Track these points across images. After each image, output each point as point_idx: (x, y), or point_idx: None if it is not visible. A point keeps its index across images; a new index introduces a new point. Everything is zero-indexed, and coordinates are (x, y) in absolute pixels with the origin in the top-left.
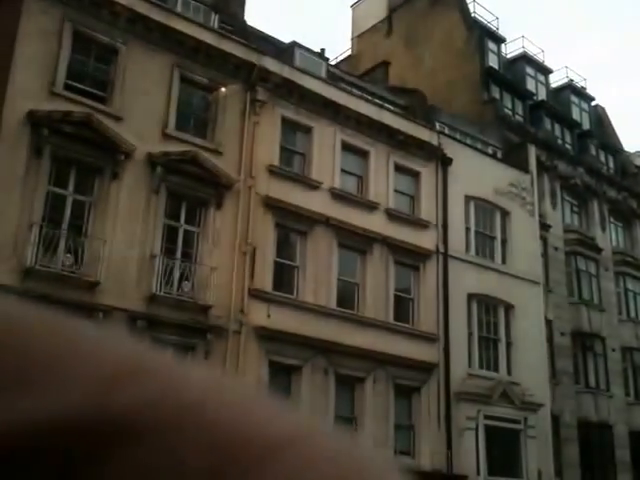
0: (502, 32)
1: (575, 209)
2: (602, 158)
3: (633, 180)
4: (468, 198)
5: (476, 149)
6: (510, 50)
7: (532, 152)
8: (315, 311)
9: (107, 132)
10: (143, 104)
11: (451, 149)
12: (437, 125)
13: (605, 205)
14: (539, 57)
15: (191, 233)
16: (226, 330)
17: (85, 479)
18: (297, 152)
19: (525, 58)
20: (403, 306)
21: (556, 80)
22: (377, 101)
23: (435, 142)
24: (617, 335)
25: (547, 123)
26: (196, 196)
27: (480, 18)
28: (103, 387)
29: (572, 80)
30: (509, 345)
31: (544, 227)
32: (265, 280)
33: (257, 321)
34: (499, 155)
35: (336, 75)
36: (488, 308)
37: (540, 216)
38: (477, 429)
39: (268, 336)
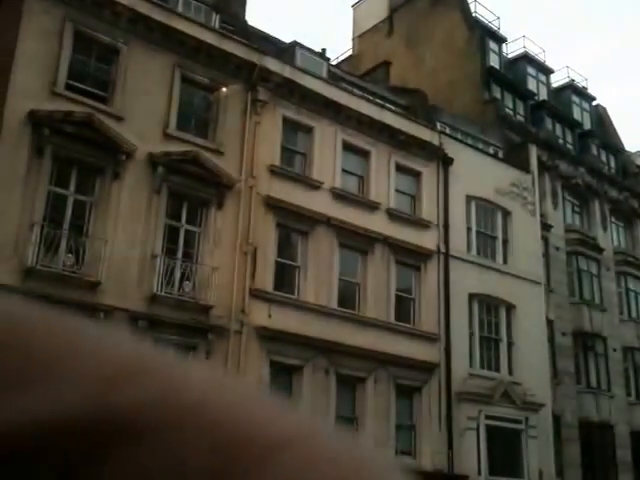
0: (503, 32)
1: (576, 209)
2: (603, 158)
3: (634, 180)
4: (469, 198)
5: (477, 149)
6: (511, 50)
7: (533, 152)
8: (316, 311)
9: (108, 132)
10: (144, 104)
11: (452, 149)
12: (438, 125)
13: (606, 205)
14: (540, 57)
15: (192, 233)
16: (227, 330)
17: (85, 479)
18: (298, 152)
19: (526, 58)
20: (404, 306)
21: (557, 80)
22: (378, 101)
23: (436, 142)
24: (618, 335)
25: (548, 123)
26: (197, 196)
27: (481, 18)
28: (103, 387)
29: (573, 80)
30: (510, 345)
31: (545, 227)
32: (266, 280)
33: (258, 321)
34: (500, 155)
35: (337, 75)
36: (489, 308)
37: (541, 216)
38: (478, 429)
39: (269, 336)
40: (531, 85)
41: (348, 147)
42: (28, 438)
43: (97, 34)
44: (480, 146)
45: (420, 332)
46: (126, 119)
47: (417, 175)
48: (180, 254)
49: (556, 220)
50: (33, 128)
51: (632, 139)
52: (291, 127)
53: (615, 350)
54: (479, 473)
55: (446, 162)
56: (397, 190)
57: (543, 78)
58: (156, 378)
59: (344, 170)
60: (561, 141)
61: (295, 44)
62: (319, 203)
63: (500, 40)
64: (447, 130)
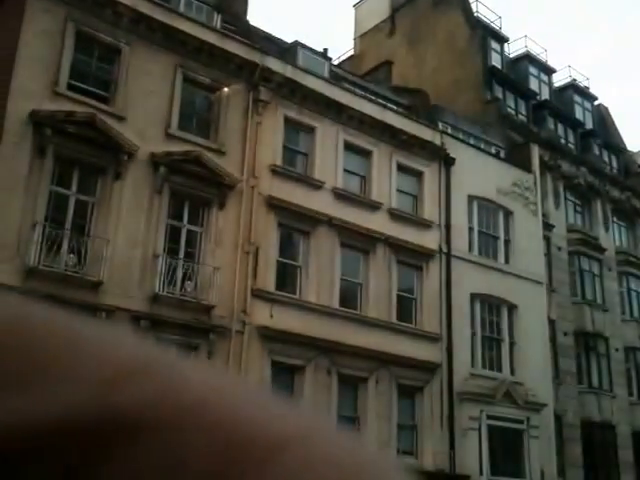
0: (505, 32)
1: (578, 209)
2: (605, 158)
3: (636, 180)
4: (471, 198)
5: (479, 149)
6: (513, 49)
7: (535, 152)
8: (318, 311)
9: (110, 132)
10: (146, 104)
11: (454, 149)
12: (440, 125)
13: (608, 205)
14: (542, 57)
15: (194, 233)
16: (229, 330)
17: (85, 479)
18: (300, 152)
19: (528, 57)
20: (406, 306)
21: (559, 80)
22: (380, 101)
23: (438, 142)
24: (620, 335)
25: (550, 123)
26: (199, 196)
27: (483, 17)
28: (103, 387)
29: (575, 80)
30: (512, 345)
31: (547, 227)
32: (268, 280)
33: (260, 321)
34: (502, 155)
35: (339, 75)
36: (491, 308)
37: (543, 216)
38: (480, 429)
39: (271, 336)
40: (533, 85)
41: (350, 147)
42: (26, 439)
43: (99, 34)
44: (482, 146)
45: (422, 332)
46: (128, 119)
47: (419, 175)
48: (182, 254)
49: (558, 220)
50: (35, 128)
51: (634, 139)
52: (293, 127)
53: (617, 350)
54: (481, 473)
55: (448, 162)
56: (399, 190)
57: (545, 78)
58: (156, 378)
59: (346, 170)
60: (563, 141)
61: (297, 44)
62: (321, 203)
63: (502, 40)
64: (449, 130)
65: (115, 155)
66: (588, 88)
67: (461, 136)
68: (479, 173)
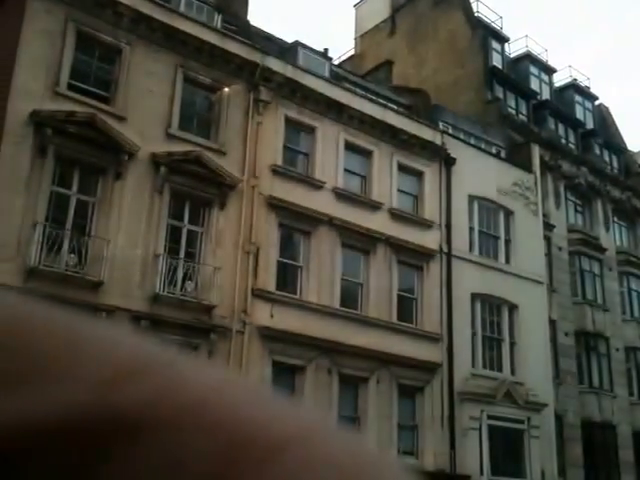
0: (505, 31)
1: (579, 209)
2: (606, 158)
3: (637, 180)
4: (472, 198)
5: (480, 149)
6: (514, 49)
7: (536, 152)
8: (318, 311)
9: (111, 132)
10: (147, 104)
11: (455, 149)
12: (441, 125)
13: (609, 205)
14: (543, 56)
15: (194, 233)
16: (229, 330)
17: (84, 479)
18: (300, 152)
19: (529, 57)
20: (406, 306)
21: (560, 79)
22: (380, 101)
23: (439, 142)
24: (621, 335)
25: (551, 122)
26: (199, 196)
27: (483, 17)
28: (102, 387)
29: (576, 79)
30: (513, 345)
31: (548, 227)
32: (268, 280)
33: (260, 321)
34: (503, 155)
35: (339, 75)
36: (492, 308)
37: (544, 216)
38: (480, 429)
39: (271, 336)
40: (534, 85)
41: (350, 147)
42: (20, 439)
43: (99, 34)
44: (482, 146)
45: (422, 332)
46: (128, 119)
47: (419, 175)
48: (182, 254)
49: (559, 220)
50: (35, 128)
51: (635, 139)
52: (293, 127)
53: (618, 350)
54: (481, 473)
55: (448, 162)
56: (399, 190)
57: (546, 78)
58: (156, 378)
59: (346, 170)
60: (564, 141)
61: (297, 44)
62: (321, 203)
63: (502, 40)
64: (449, 130)
65: (116, 155)
66: (589, 88)
67: (462, 136)
68: (480, 173)
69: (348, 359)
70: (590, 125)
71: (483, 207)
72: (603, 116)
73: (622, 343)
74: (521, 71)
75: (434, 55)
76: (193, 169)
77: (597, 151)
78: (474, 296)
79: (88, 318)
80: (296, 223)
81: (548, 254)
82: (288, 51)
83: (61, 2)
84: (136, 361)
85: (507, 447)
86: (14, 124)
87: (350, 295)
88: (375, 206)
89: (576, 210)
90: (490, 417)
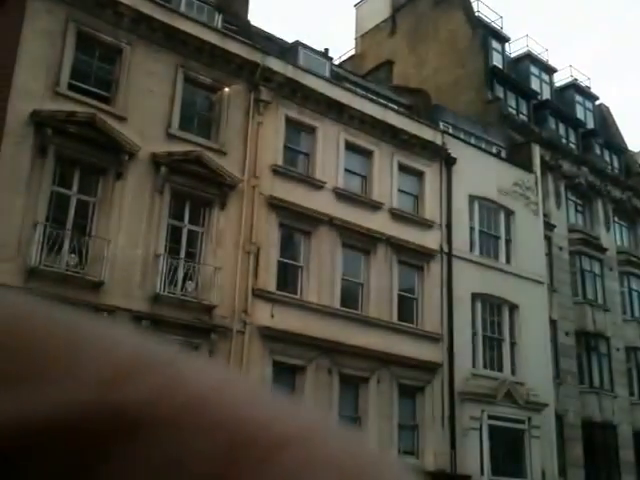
0: (506, 31)
1: (579, 208)
2: (606, 157)
3: (637, 179)
4: (472, 198)
5: (480, 149)
6: (514, 49)
7: (536, 151)
8: (319, 311)
9: (111, 132)
10: (147, 104)
11: (455, 149)
12: (441, 125)
13: (609, 204)
14: (543, 56)
15: (195, 233)
16: (230, 330)
17: (82, 478)
18: (301, 152)
19: (529, 57)
20: (407, 306)
21: (560, 79)
22: (381, 101)
23: (439, 142)
24: (621, 335)
25: (551, 122)
26: (200, 196)
27: (484, 17)
28: (102, 387)
29: (576, 79)
30: (513, 345)
31: (548, 227)
32: (269, 280)
33: (261, 321)
34: (503, 155)
35: (340, 75)
36: (492, 308)
37: (544, 215)
38: (481, 429)
39: (272, 336)
40: (534, 84)
41: (351, 147)
42: (17, 438)
43: (100, 34)
44: (483, 146)
45: (423, 332)
46: (129, 119)
47: (420, 175)
48: (183, 254)
49: (559, 220)
50: (36, 128)
51: (635, 139)
52: (294, 127)
53: (618, 350)
54: (482, 473)
55: (449, 162)
56: (400, 190)
57: (546, 77)
58: (155, 377)
59: (347, 170)
60: (564, 140)
61: (298, 44)
62: (322, 203)
63: (503, 39)
64: (450, 130)
65: (116, 155)
66: (589, 88)
67: (462, 136)
68: (480, 173)
69: (348, 359)
70: (590, 125)
71: (483, 207)
72: (603, 116)
73: (623, 343)
74: (521, 71)
75: (434, 55)
76: (193, 169)
77: (597, 151)
78: (474, 296)
79: (89, 317)
80: (296, 223)
81: (549, 254)
82: (288, 51)
83: (61, 2)
84: (136, 360)
85: (507, 447)
86: (14, 124)
87: (350, 295)
88: (375, 206)
89: (577, 210)
90: (491, 417)
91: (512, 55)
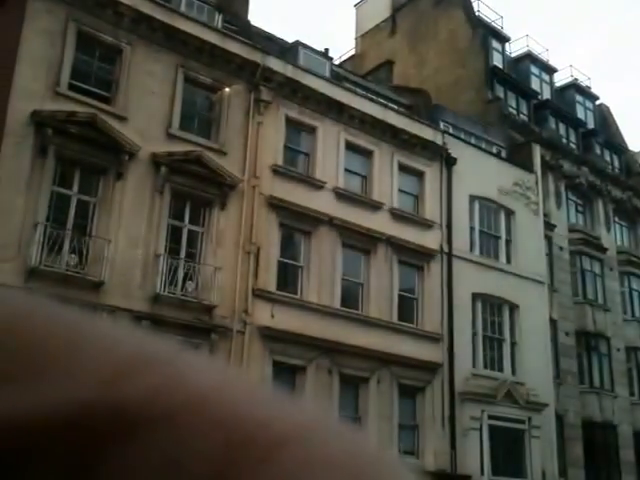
0: (506, 31)
1: (580, 208)
2: (607, 157)
3: (638, 179)
4: (472, 198)
5: (480, 148)
6: (514, 49)
7: (537, 151)
8: (319, 311)
9: (111, 132)
10: (147, 104)
11: (455, 148)
12: (441, 124)
13: (610, 204)
14: (543, 56)
15: (195, 233)
16: (230, 330)
17: (81, 479)
18: (301, 152)
19: (530, 57)
20: (407, 306)
21: (560, 79)
22: (381, 100)
23: (439, 142)
24: (622, 335)
25: (552, 122)
26: (200, 196)
27: (484, 17)
28: (101, 386)
29: (577, 79)
30: (513, 345)
31: (549, 226)
32: (269, 280)
33: (261, 321)
34: (503, 154)
35: (340, 75)
36: (492, 308)
37: (545, 215)
38: (481, 429)
39: (272, 336)
40: (534, 84)
41: (351, 147)
42: (13, 438)
43: (100, 34)
44: (483, 146)
45: (423, 332)
46: (129, 119)
47: (420, 175)
48: (183, 254)
49: (559, 220)
50: (36, 128)
51: (635, 138)
52: (294, 127)
53: (618, 350)
54: (482, 473)
55: (449, 162)
56: (400, 190)
57: (546, 77)
58: (155, 376)
59: (347, 170)
60: (564, 140)
61: (298, 44)
62: (322, 203)
63: (503, 39)
64: (450, 130)
65: (116, 155)
66: (589, 88)
67: (462, 136)
68: (480, 173)
69: (349, 359)
70: (591, 125)
71: (484, 207)
72: (604, 116)
73: (623, 343)
74: (522, 71)
75: (435, 55)
76: (194, 169)
77: (598, 151)
78: (475, 296)
79: (89, 316)
80: (297, 223)
81: (549, 254)
82: (289, 51)
83: (62, 2)
84: (136, 359)
85: (508, 447)
86: (15, 124)
87: (351, 295)
88: (376, 206)
89: (577, 210)
90: (491, 417)
91: (512, 55)
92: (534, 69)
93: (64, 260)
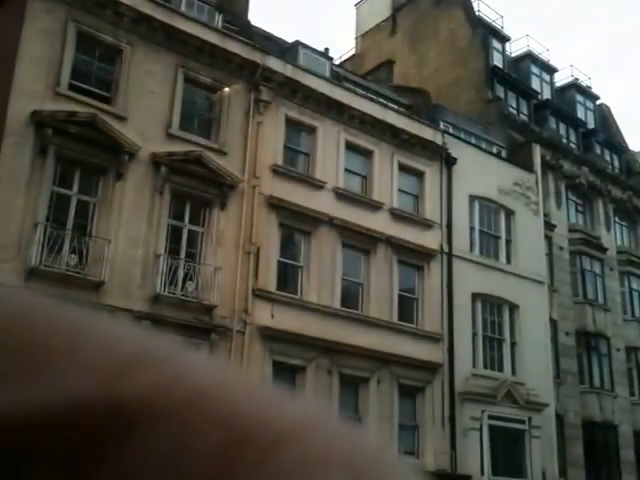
0: (506, 31)
1: (580, 208)
2: (607, 157)
3: (638, 179)
4: (472, 197)
5: (480, 148)
6: (514, 49)
7: (537, 151)
8: (319, 311)
9: (111, 132)
10: (147, 104)
11: (455, 148)
12: (441, 124)
13: (610, 204)
14: (544, 56)
15: (195, 233)
16: (230, 330)
17: (79, 477)
18: (301, 152)
19: (530, 57)
20: (407, 306)
21: (561, 79)
22: (381, 100)
23: (439, 141)
24: (622, 335)
25: (552, 122)
26: (200, 196)
27: (484, 17)
28: (100, 385)
29: (577, 79)
30: (513, 345)
31: (549, 226)
32: (269, 280)
33: (261, 321)
34: (504, 154)
35: (340, 74)
36: (492, 308)
37: (545, 215)
38: (481, 429)
39: (272, 336)
40: (534, 84)
41: (351, 147)
42: (10, 436)
43: (100, 34)
44: (483, 145)
45: (423, 332)
46: (129, 119)
47: (420, 175)
48: (183, 254)
49: (560, 219)
50: (36, 128)
51: (636, 138)
52: (294, 127)
53: (619, 350)
54: (482, 473)
55: (449, 161)
56: (400, 190)
57: (547, 77)
58: (153, 375)
59: (347, 170)
60: (564, 140)
61: (298, 44)
62: (322, 203)
63: (503, 39)
64: (450, 129)
65: (116, 155)
66: (590, 87)
67: (462, 136)
68: (480, 173)
69: (348, 359)
70: (591, 125)
71: (484, 207)
72: (604, 116)
73: (623, 343)
74: (522, 70)
75: (435, 54)
76: (194, 169)
77: (598, 151)
78: (475, 296)
79: (89, 314)
80: (296, 223)
81: (549, 254)
82: (289, 51)
83: (61, 2)
84: (135, 357)
85: (508, 447)
86: (15, 124)
87: (350, 295)
88: (376, 206)
89: (577, 210)
90: (491, 417)
91: (512, 55)
92: (534, 69)
93: (64, 260)
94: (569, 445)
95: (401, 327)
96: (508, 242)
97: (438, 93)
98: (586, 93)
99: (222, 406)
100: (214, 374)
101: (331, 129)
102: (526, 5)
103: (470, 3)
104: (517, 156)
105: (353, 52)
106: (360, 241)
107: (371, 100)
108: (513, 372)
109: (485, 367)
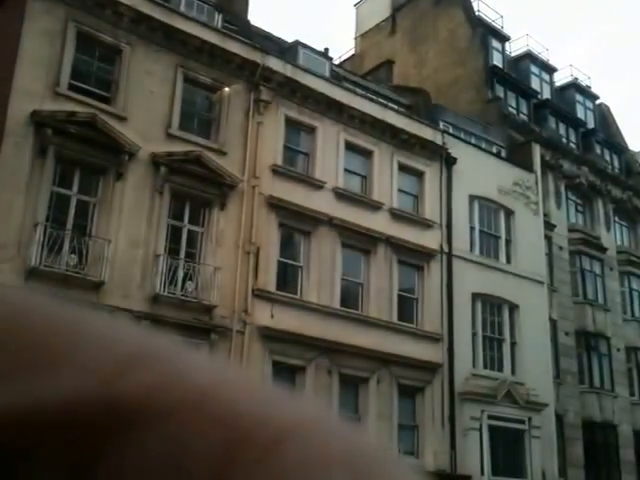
0: (506, 30)
1: (580, 208)
2: (607, 157)
3: (638, 179)
4: (472, 197)
5: (480, 148)
6: (514, 48)
7: (536, 151)
8: (319, 311)
9: (111, 132)
10: (147, 104)
11: (455, 148)
12: (441, 124)
13: (610, 204)
14: (543, 55)
15: (195, 233)
16: (230, 330)
17: (79, 477)
18: (301, 152)
19: (529, 56)
20: (407, 306)
21: (560, 79)
22: (381, 100)
23: (439, 141)
24: (622, 335)
25: (551, 122)
26: (200, 196)
27: (484, 16)
28: (99, 384)
29: (576, 79)
30: (513, 345)
31: (548, 226)
32: (269, 280)
33: (261, 321)
34: (503, 154)
35: (340, 74)
36: (492, 308)
37: (544, 215)
38: (481, 429)
39: (272, 336)
40: (534, 84)
41: (351, 147)
42: (8, 435)
43: (99, 34)
44: (483, 145)
45: (423, 332)
46: (129, 119)
47: (420, 175)
48: (183, 254)
49: (559, 219)
50: (36, 128)
51: (636, 138)
52: (294, 127)
53: (618, 350)
54: (482, 473)
55: (449, 161)
56: (400, 190)
57: (546, 77)
58: (153, 374)
59: (347, 170)
60: (564, 140)
61: (297, 43)
62: (322, 203)
63: (503, 39)
64: (450, 129)
65: (116, 155)
66: (589, 87)
67: (462, 135)
68: (480, 173)
69: (348, 359)
70: (591, 124)
71: (484, 207)
72: (604, 115)
73: (623, 343)
74: (522, 70)
75: (435, 54)
76: (193, 169)
77: (598, 150)
78: (475, 296)
79: (90, 314)
80: (296, 223)
81: (549, 254)
82: (288, 51)
83: (61, 2)
84: (134, 357)
85: (508, 447)
86: (14, 124)
87: (350, 295)
88: (375, 206)
89: (577, 210)
90: (491, 417)
91: (512, 54)
92: (534, 68)
93: (64, 260)
94: (569, 445)
95: (401, 327)
96: (508, 242)
97: (438, 93)
98: (586, 93)
99: (221, 406)
100: (213, 374)
101: (331, 129)
102: (526, 5)
103: (470, 3)
104: (517, 156)
105: (353, 52)
106: (360, 241)
107: (371, 100)
108: (513, 372)
109: (485, 367)
